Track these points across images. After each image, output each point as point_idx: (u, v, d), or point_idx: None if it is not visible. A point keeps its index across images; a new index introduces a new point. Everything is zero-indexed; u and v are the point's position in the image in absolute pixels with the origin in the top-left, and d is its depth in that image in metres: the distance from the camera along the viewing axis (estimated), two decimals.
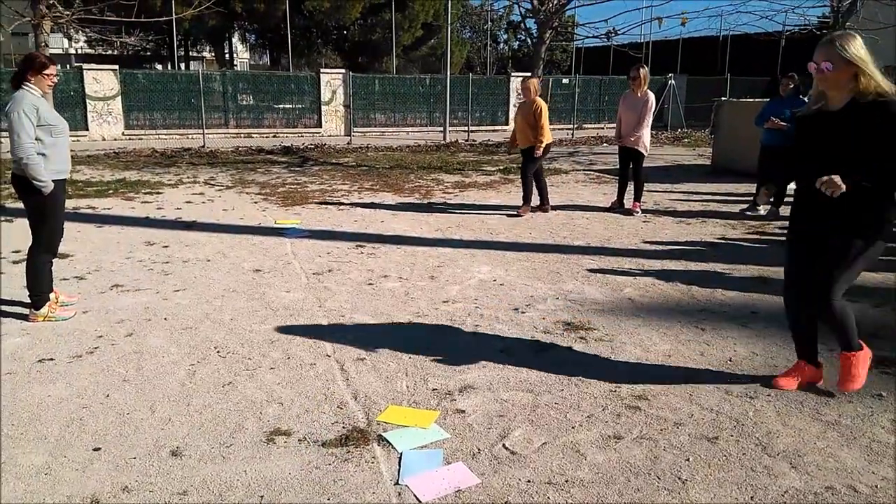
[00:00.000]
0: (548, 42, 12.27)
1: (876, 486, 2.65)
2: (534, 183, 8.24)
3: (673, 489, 2.63)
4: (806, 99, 7.79)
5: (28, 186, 4.23)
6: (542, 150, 7.84)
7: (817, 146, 3.15)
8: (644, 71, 7.87)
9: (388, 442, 2.97)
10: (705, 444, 2.95)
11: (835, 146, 3.07)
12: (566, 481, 2.68)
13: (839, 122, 3.07)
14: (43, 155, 4.20)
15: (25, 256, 4.52)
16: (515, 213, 8.00)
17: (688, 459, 2.83)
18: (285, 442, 2.97)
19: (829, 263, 3.17)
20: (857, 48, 2.99)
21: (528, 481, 2.68)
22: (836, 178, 2.91)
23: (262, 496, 2.59)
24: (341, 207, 8.53)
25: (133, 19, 11.49)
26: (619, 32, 12.99)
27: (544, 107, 7.78)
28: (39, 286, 4.41)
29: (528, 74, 16.55)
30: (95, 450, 2.89)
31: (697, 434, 3.03)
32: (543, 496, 2.59)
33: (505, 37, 41.63)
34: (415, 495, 2.60)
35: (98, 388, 3.47)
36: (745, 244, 6.74)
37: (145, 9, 14.30)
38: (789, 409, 3.26)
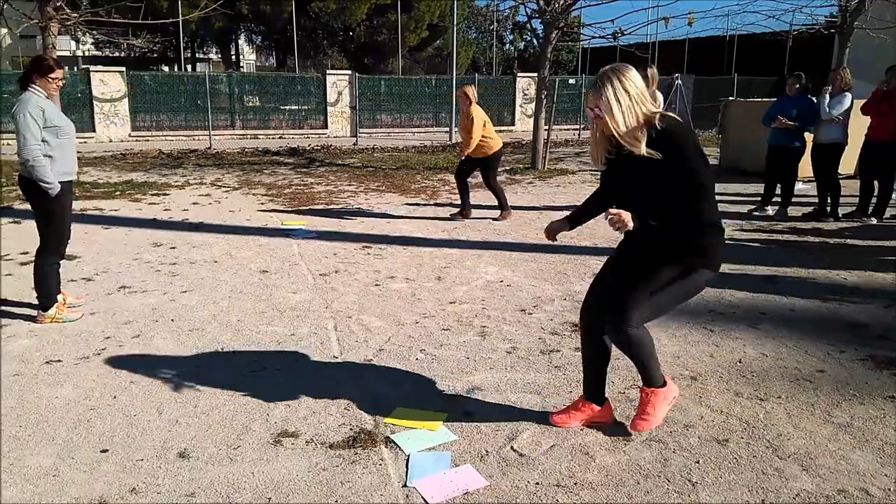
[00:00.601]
0: (554, 42, 12.19)
1: (888, 489, 2.62)
2: (484, 188, 8.09)
3: (683, 492, 2.61)
4: (814, 99, 7.79)
5: (35, 188, 4.23)
6: (467, 154, 7.57)
7: (619, 187, 2.99)
8: (652, 71, 7.82)
9: (395, 444, 2.96)
10: (715, 446, 2.93)
11: (624, 186, 2.91)
12: (575, 483, 2.66)
13: (622, 164, 2.86)
14: (49, 157, 4.21)
15: (33, 258, 4.53)
16: (496, 219, 7.82)
17: (698, 462, 2.81)
18: (292, 443, 2.96)
19: (631, 282, 2.89)
20: (611, 92, 2.68)
21: (537, 483, 2.66)
22: (626, 217, 2.70)
23: (269, 498, 2.58)
24: (348, 208, 8.53)
25: (140, 21, 11.55)
26: (625, 32, 12.88)
27: (477, 116, 7.46)
28: (47, 288, 4.42)
29: (533, 75, 16.55)
30: (103, 451, 2.89)
31: (707, 436, 3.01)
32: (552, 498, 2.57)
33: (511, 37, 41.69)
34: (423, 497, 2.58)
35: (105, 390, 3.47)
36: (754, 245, 6.70)
37: (152, 11, 14.36)
38: (800, 412, 3.24)
